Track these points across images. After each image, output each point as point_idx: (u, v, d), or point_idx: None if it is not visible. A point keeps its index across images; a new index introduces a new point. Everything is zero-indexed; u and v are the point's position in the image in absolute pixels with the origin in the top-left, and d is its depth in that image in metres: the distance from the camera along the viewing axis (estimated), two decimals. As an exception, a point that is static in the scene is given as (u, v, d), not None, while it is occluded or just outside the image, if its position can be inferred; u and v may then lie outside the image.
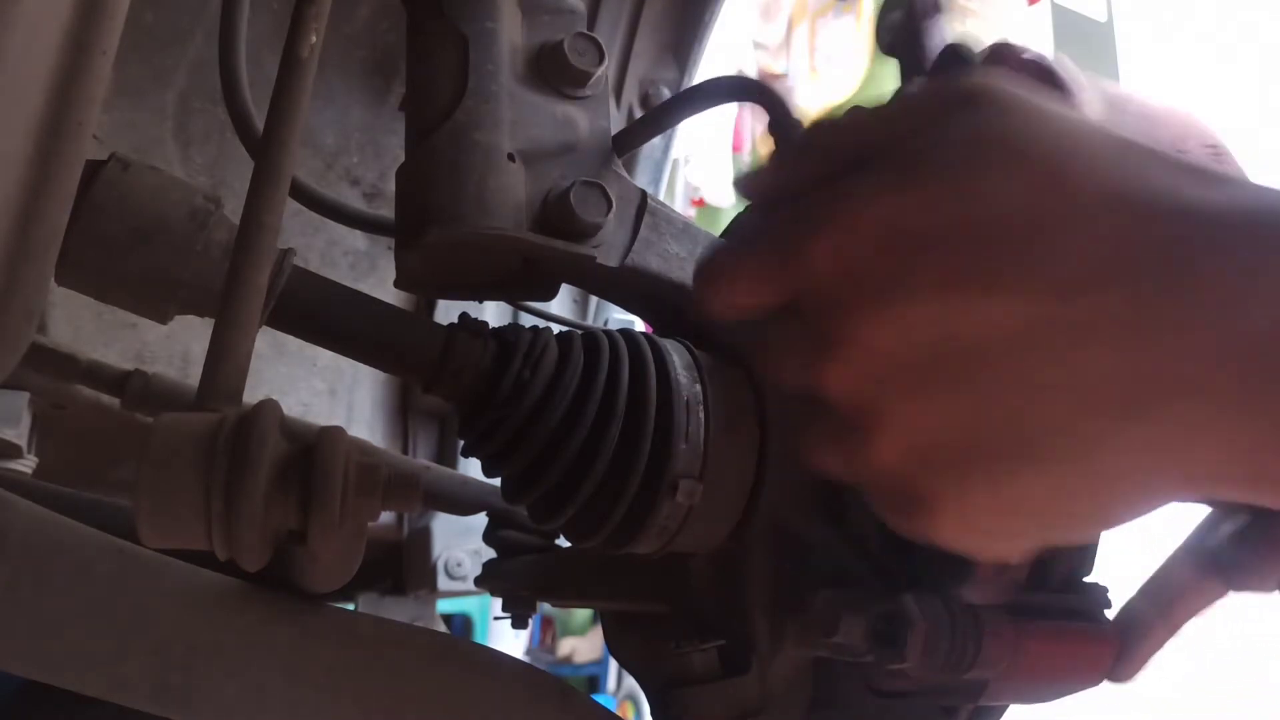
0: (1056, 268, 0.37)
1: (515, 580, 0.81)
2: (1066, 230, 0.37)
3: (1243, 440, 0.36)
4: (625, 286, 0.67)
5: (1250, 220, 0.36)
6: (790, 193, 0.45)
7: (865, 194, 0.40)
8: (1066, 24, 3.56)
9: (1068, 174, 0.38)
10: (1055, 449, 0.38)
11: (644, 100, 1.39)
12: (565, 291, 1.35)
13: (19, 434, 1.02)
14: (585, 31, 0.65)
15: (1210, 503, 0.41)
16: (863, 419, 0.40)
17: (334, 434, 0.48)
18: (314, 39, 0.54)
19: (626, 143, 0.69)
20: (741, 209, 0.75)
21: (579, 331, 0.64)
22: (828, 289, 0.40)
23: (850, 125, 0.44)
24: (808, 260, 0.41)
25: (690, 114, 0.69)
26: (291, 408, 1.21)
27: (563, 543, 0.82)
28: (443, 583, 1.34)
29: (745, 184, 0.48)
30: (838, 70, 4.08)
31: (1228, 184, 0.37)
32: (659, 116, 0.71)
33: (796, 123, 0.57)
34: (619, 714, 0.80)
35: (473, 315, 0.64)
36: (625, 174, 0.64)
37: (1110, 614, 0.57)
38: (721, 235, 0.65)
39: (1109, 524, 0.40)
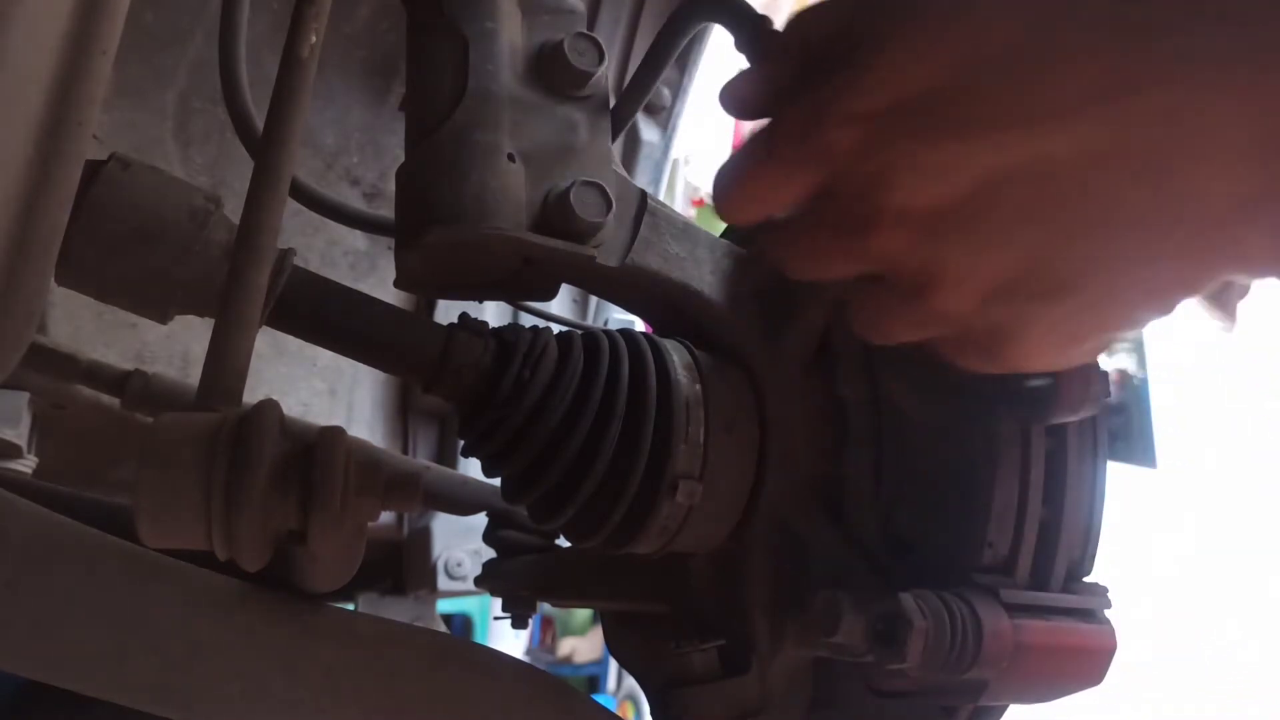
0: (1057, 97, 0.37)
1: (515, 580, 0.81)
2: (1059, 54, 0.37)
3: None
4: (625, 286, 0.67)
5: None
6: (781, 91, 0.45)
7: (865, 64, 0.40)
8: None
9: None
10: (1108, 270, 0.39)
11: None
12: (565, 291, 1.35)
13: (19, 434, 1.02)
14: (585, 31, 0.65)
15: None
16: (924, 277, 0.41)
17: (334, 434, 0.48)
18: (314, 39, 0.54)
19: (626, 110, 0.69)
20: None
21: (579, 332, 0.64)
22: (855, 165, 0.41)
23: (825, 10, 0.44)
24: (829, 143, 0.41)
25: (672, 50, 0.69)
26: (291, 408, 1.21)
27: (563, 543, 0.82)
28: (443, 583, 1.34)
29: (729, 94, 0.48)
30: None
31: None
32: (647, 71, 0.70)
33: (767, 35, 0.56)
34: (619, 714, 0.80)
35: (473, 315, 0.63)
36: (625, 174, 0.64)
37: (1110, 614, 0.57)
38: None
39: (1181, 301, 0.41)
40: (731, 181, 0.46)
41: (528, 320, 1.00)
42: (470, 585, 1.34)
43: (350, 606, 1.34)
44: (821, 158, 0.42)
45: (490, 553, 0.87)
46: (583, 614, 3.92)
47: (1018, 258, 0.40)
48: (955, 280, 0.41)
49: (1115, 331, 0.42)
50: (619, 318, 1.41)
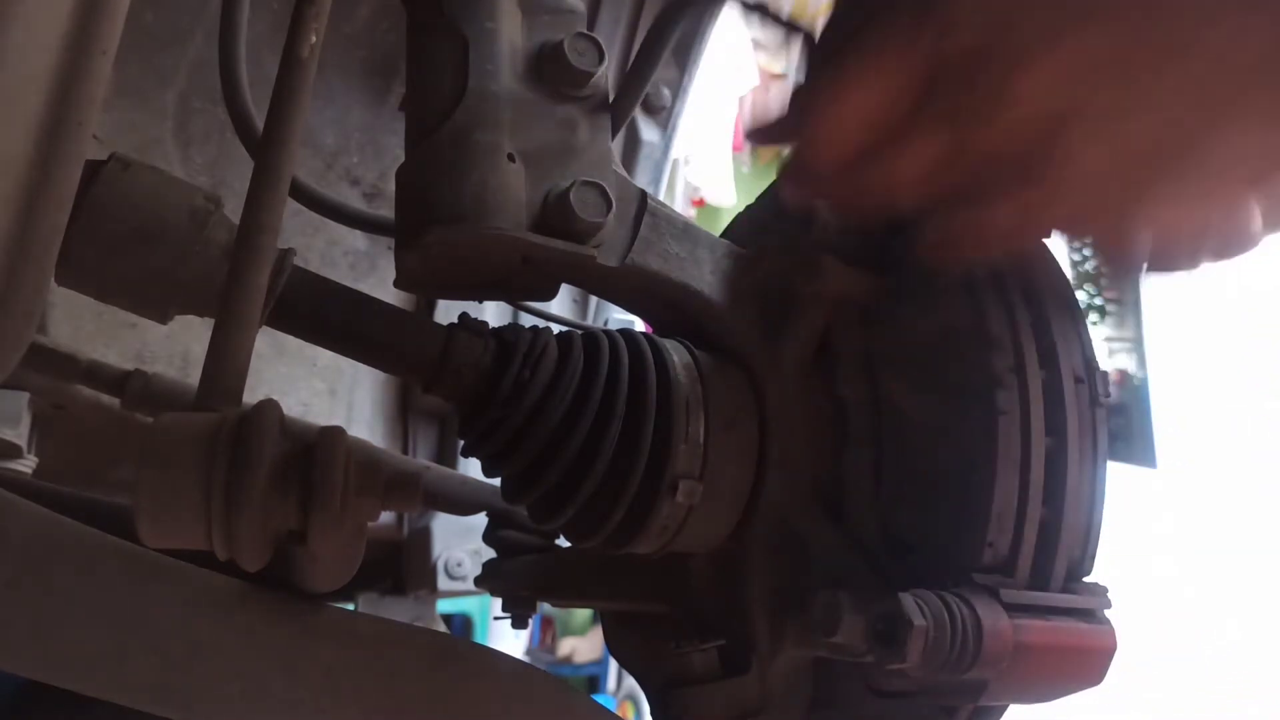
0: None
1: (515, 580, 0.81)
2: None
3: None
4: (625, 286, 0.67)
5: None
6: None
7: None
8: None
9: None
10: (1245, 132, 0.39)
11: (644, 101, 1.39)
12: (565, 291, 1.35)
13: (19, 434, 1.02)
14: (585, 31, 0.65)
15: None
16: (1052, 151, 0.41)
17: (334, 434, 0.48)
18: (314, 39, 0.54)
19: (621, 109, 0.70)
20: (743, 210, 0.75)
21: (579, 332, 0.64)
22: (977, 43, 0.41)
23: None
24: (950, 21, 0.41)
25: (665, 43, 0.69)
26: (291, 408, 1.21)
27: (563, 543, 0.82)
28: (443, 583, 1.34)
29: None
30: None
31: None
32: (651, 48, 0.70)
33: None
34: (619, 714, 0.80)
35: (473, 315, 0.63)
36: (625, 174, 0.64)
37: (1110, 614, 0.57)
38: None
39: None
40: (825, 85, 0.45)
41: (528, 320, 1.00)
42: (470, 585, 1.34)
43: (350, 606, 1.34)
44: (938, 38, 0.41)
45: (490, 553, 0.87)
46: (583, 614, 3.93)
47: (1153, 115, 0.39)
48: (1088, 144, 0.40)
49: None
50: (619, 318, 1.41)
